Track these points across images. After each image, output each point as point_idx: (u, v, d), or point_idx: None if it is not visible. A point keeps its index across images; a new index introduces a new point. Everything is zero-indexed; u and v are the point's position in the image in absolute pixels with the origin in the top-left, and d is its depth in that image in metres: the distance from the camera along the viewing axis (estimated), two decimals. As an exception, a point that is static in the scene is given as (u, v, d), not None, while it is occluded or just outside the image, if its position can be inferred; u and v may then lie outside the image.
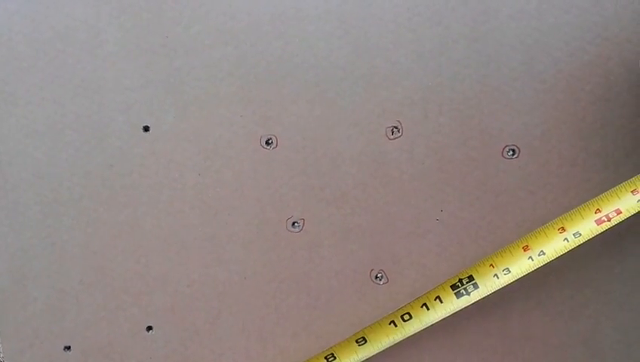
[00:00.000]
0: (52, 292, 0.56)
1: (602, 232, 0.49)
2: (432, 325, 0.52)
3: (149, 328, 0.56)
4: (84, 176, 0.55)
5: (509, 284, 0.51)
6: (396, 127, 0.53)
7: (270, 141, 0.54)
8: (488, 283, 0.52)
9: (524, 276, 0.50)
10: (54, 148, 0.55)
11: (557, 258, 0.50)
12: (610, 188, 0.48)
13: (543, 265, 0.50)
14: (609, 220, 0.48)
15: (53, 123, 0.54)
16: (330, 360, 0.53)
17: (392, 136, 0.53)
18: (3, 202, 0.55)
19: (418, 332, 0.53)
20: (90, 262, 0.55)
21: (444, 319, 0.53)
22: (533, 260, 0.50)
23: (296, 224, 0.54)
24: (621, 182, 0.48)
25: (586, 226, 0.50)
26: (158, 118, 0.54)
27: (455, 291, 0.52)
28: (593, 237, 0.49)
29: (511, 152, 0.52)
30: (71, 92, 0.54)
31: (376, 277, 0.54)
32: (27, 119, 0.55)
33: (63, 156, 0.55)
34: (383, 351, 0.54)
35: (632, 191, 0.48)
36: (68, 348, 0.56)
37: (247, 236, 0.55)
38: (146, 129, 0.54)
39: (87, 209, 0.55)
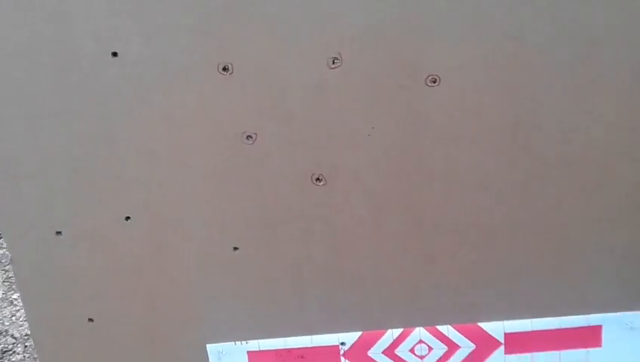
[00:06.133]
0: (42, 188, 0.65)
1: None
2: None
3: (127, 218, 0.67)
4: (62, 93, 0.62)
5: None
6: (337, 58, 0.61)
7: (227, 67, 0.61)
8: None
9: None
10: (33, 69, 0.60)
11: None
12: None
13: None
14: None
15: (29, 48, 0.60)
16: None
17: (332, 66, 0.61)
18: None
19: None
20: (73, 165, 0.65)
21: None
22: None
23: (249, 137, 0.64)
24: None
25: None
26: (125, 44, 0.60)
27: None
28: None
29: (432, 82, 0.62)
30: (44, 20, 0.59)
31: (317, 179, 0.66)
32: (6, 43, 0.60)
33: (41, 76, 0.61)
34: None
35: None
36: (59, 233, 0.67)
37: (206, 148, 0.64)
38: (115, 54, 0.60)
39: (67, 121, 0.63)
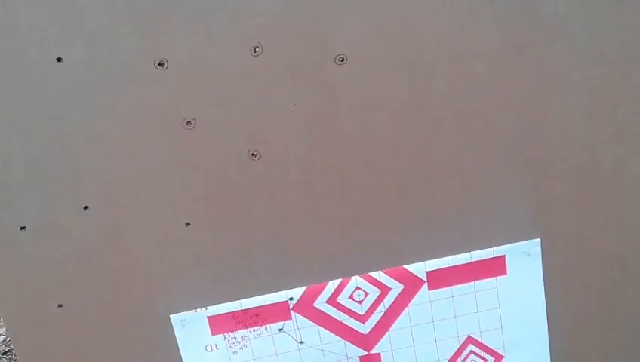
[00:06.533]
0: (3, 189, 0.72)
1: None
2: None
3: (86, 207, 0.74)
4: (13, 99, 0.69)
5: None
6: (258, 47, 0.71)
7: (162, 63, 0.70)
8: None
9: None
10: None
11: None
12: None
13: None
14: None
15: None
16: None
17: (255, 53, 0.71)
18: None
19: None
20: (30, 164, 0.72)
21: None
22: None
23: (189, 123, 0.73)
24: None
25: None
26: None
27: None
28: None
29: (340, 60, 0.73)
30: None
31: (253, 154, 0.76)
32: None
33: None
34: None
35: None
36: (23, 228, 0.74)
37: (151, 137, 0.73)
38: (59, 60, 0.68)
39: (20, 124, 0.70)
